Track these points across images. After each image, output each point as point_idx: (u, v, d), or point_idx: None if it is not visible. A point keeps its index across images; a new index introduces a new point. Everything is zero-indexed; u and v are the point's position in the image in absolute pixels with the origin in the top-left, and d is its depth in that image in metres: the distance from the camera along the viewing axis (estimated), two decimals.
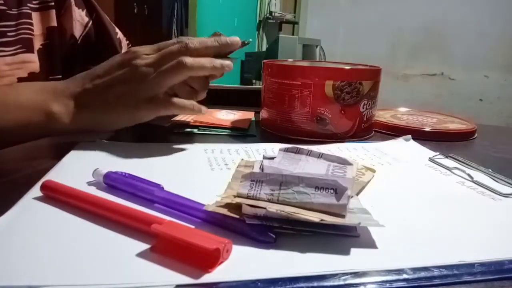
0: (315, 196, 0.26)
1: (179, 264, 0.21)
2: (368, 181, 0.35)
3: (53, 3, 0.56)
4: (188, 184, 0.34)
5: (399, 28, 2.99)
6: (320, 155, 0.34)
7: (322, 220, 0.24)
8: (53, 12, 0.56)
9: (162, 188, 0.30)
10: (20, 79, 0.51)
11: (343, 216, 0.25)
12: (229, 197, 0.27)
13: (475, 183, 0.37)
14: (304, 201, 0.26)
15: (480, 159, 0.42)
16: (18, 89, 0.44)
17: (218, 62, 0.43)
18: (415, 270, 0.22)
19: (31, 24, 0.53)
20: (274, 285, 0.20)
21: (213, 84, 0.49)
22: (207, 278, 0.21)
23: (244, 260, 0.22)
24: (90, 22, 0.62)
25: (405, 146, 0.49)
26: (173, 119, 0.56)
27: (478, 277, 0.22)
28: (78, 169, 0.35)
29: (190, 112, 0.44)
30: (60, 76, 0.57)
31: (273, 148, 0.45)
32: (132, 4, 2.78)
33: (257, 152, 0.43)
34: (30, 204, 0.28)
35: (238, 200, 0.26)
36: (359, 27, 3.08)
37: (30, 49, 0.52)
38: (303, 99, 0.50)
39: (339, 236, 0.25)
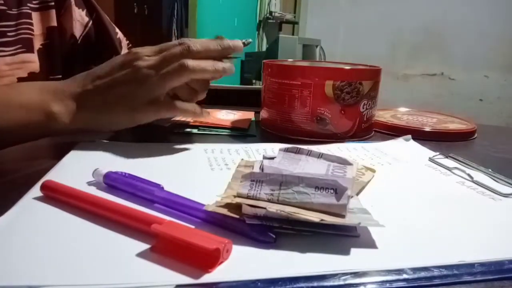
0: (315, 196, 0.26)
1: (179, 264, 0.21)
2: (368, 181, 0.35)
3: (53, 3, 0.56)
4: (188, 184, 0.34)
5: (399, 28, 2.99)
6: (320, 155, 0.34)
7: (322, 220, 0.24)
8: (53, 12, 0.56)
9: (162, 188, 0.30)
10: (20, 79, 0.51)
11: (343, 216, 0.25)
12: (229, 197, 0.27)
13: (475, 183, 0.37)
14: (304, 201, 0.26)
15: (480, 159, 0.42)
16: (18, 89, 0.44)
17: (220, 65, 0.43)
18: (415, 270, 0.22)
19: (31, 24, 0.53)
20: (274, 285, 0.20)
21: (213, 84, 0.49)
22: (207, 278, 0.21)
23: (244, 260, 0.22)
24: (90, 22, 0.62)
25: (405, 146, 0.49)
26: (173, 119, 0.56)
27: (478, 277, 0.22)
28: (78, 169, 0.35)
29: (192, 115, 0.44)
30: (60, 76, 0.57)
31: (273, 148, 0.45)
32: (132, 4, 2.78)
33: (257, 152, 0.43)
34: (30, 204, 0.28)
35: (238, 200, 0.26)
36: (359, 27, 3.08)
37: (30, 49, 0.52)
38: (303, 99, 0.50)
39: (339, 236, 0.25)
